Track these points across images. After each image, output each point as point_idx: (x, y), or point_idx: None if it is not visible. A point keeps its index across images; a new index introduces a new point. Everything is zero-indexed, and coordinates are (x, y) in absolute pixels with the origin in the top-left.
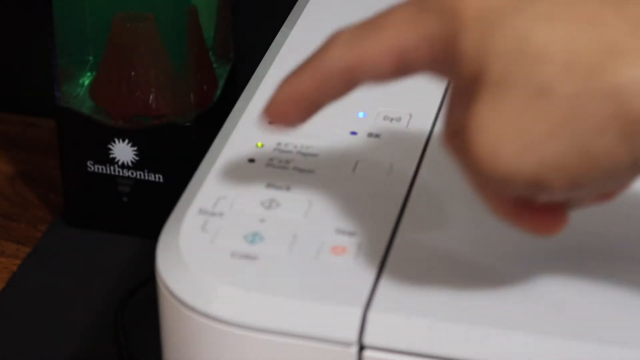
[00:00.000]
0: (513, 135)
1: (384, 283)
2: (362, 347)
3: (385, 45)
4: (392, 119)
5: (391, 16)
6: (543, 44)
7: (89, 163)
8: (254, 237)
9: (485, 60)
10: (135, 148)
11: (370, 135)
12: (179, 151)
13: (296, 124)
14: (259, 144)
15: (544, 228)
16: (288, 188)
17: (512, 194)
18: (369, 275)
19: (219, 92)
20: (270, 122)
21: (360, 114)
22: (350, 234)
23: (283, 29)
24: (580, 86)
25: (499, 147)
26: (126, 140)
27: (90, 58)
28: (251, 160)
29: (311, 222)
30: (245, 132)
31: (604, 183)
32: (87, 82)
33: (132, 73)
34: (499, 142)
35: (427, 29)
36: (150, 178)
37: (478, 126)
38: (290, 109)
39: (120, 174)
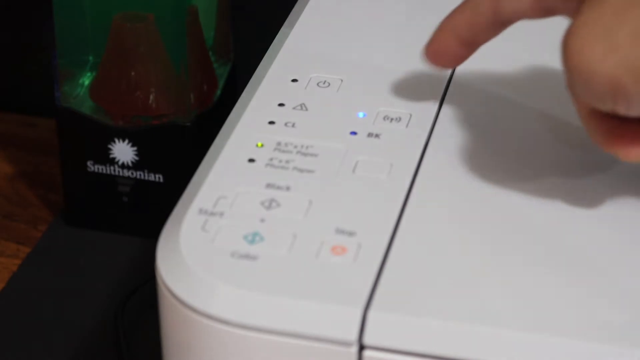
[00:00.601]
0: (601, 37)
1: (384, 283)
2: (362, 347)
3: None
4: (392, 119)
5: None
6: None
7: (89, 163)
8: (254, 237)
9: None
10: (135, 148)
11: (370, 135)
12: (179, 151)
13: (452, 62)
14: (259, 144)
15: (628, 150)
16: (288, 188)
17: (597, 101)
18: (369, 275)
19: (219, 92)
20: (431, 61)
21: (360, 114)
22: (350, 234)
23: (283, 29)
24: None
25: (587, 47)
26: (126, 140)
27: (90, 58)
28: (251, 160)
29: (311, 222)
30: (245, 132)
31: None
32: (87, 82)
33: (132, 73)
34: (587, 42)
35: None
36: (150, 178)
37: (572, 29)
38: (446, 44)
39: (120, 174)
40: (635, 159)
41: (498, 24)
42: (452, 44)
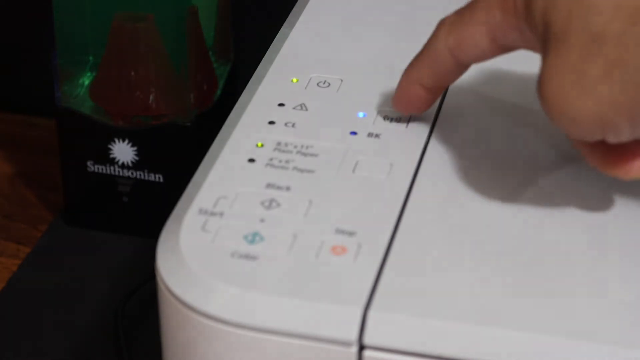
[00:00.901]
0: (573, 81)
1: (384, 283)
2: (362, 347)
3: (478, 25)
4: (392, 119)
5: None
6: None
7: (89, 163)
8: (254, 237)
9: (549, 18)
10: (135, 148)
11: (370, 135)
12: (179, 151)
13: (423, 108)
14: (259, 144)
15: (627, 169)
16: (288, 188)
17: (587, 137)
18: (369, 275)
19: (219, 92)
20: (402, 111)
21: (360, 114)
22: (350, 234)
23: (283, 29)
24: (626, 27)
25: (562, 93)
26: (126, 140)
27: (90, 58)
28: (251, 160)
29: (311, 222)
30: (245, 132)
31: None
32: (87, 82)
33: (132, 73)
34: (561, 89)
35: (508, 2)
36: (150, 178)
37: (544, 77)
38: (413, 95)
39: (120, 174)
40: (636, 176)
41: (461, 67)
42: (419, 93)
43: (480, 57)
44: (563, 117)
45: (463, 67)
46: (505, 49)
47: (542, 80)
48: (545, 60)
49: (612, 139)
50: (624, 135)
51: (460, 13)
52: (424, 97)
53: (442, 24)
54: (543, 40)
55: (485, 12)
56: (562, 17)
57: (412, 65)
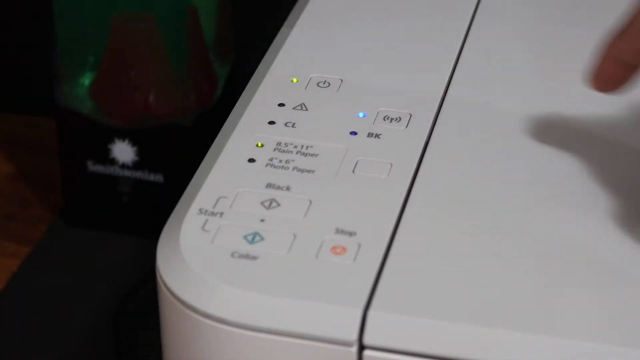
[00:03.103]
0: None
1: (384, 283)
2: (362, 347)
3: None
4: (392, 119)
5: None
6: None
7: (89, 163)
8: (254, 237)
9: None
10: (135, 148)
11: (370, 135)
12: (179, 151)
13: (622, 86)
14: (259, 144)
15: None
16: (288, 188)
17: None
18: (369, 275)
19: (219, 92)
20: (599, 89)
21: (360, 114)
22: (350, 234)
23: (283, 29)
24: None
25: None
26: (126, 140)
27: (90, 58)
28: (251, 160)
29: (311, 222)
30: (245, 132)
31: None
32: (87, 82)
33: (132, 73)
34: None
35: None
36: (150, 178)
37: None
38: (614, 73)
39: (120, 174)
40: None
41: None
42: (619, 71)
43: None
44: None
45: None
46: None
47: None
48: None
49: None
50: None
51: None
52: (624, 75)
53: None
54: None
55: None
56: None
57: (613, 41)
